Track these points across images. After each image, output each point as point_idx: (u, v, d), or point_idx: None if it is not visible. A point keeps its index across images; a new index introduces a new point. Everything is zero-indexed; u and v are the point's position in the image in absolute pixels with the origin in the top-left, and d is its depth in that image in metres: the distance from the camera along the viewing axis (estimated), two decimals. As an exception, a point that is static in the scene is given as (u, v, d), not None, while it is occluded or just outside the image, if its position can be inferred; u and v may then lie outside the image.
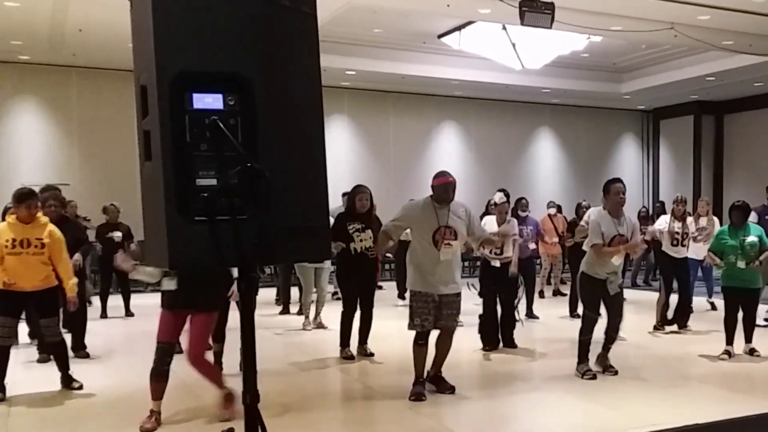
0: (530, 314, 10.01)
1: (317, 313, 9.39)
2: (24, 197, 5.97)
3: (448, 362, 6.14)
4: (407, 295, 6.22)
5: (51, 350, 6.52)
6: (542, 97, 18.72)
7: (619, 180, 6.71)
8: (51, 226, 6.14)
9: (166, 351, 5.11)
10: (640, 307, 10.45)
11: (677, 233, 8.86)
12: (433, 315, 5.75)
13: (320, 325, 9.35)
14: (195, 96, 2.10)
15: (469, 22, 12.94)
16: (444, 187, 5.81)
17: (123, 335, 9.36)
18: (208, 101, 2.12)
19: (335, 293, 11.02)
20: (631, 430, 5.06)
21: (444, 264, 5.73)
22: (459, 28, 13.36)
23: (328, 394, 6.56)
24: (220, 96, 2.13)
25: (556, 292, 12.54)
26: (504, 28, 12.63)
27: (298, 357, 7.73)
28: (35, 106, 14.79)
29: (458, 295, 5.87)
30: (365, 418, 5.65)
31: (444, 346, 6.03)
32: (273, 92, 2.21)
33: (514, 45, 13.19)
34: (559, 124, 20.26)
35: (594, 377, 6.48)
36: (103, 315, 10.52)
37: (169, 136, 2.06)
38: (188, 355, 5.17)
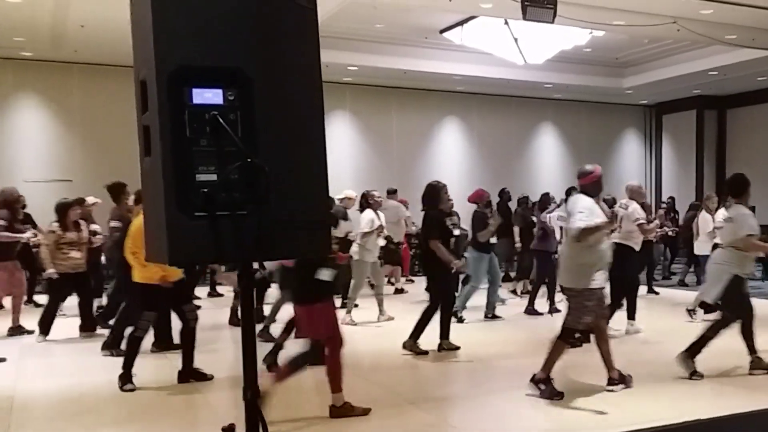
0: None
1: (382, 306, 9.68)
2: None
3: (446, 355, 6.11)
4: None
5: (185, 337, 6.46)
6: (544, 92, 18.68)
7: None
8: None
9: None
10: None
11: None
12: None
13: (389, 317, 9.61)
14: (194, 91, 2.09)
15: (471, 17, 12.91)
16: (600, 181, 6.00)
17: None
18: (207, 96, 2.11)
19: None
20: (631, 427, 5.05)
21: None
22: (461, 23, 13.33)
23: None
24: (219, 91, 2.12)
25: None
26: (506, 22, 12.60)
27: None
28: (37, 102, 14.79)
29: None
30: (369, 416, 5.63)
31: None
32: (273, 87, 2.20)
33: (516, 40, 13.16)
34: (562, 120, 20.22)
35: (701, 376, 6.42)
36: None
37: (168, 132, 2.06)
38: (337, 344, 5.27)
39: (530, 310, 10.04)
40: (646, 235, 8.64)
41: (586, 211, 5.74)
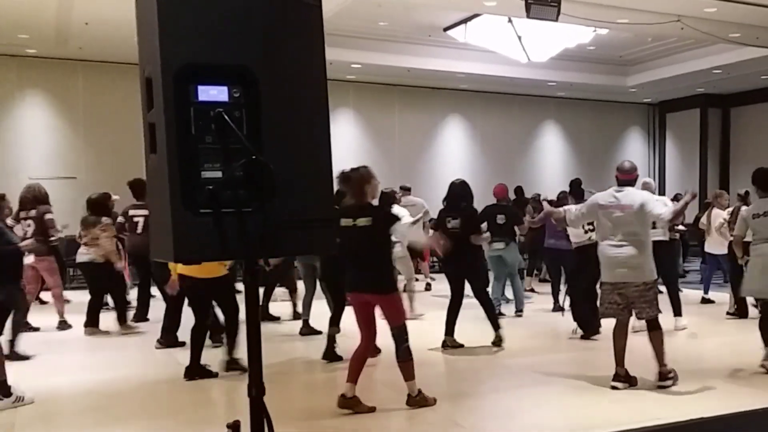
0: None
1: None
2: None
3: (450, 353, 6.09)
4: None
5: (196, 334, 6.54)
6: (548, 90, 18.67)
7: None
8: None
9: None
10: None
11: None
12: None
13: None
14: (200, 88, 2.10)
15: (475, 15, 12.90)
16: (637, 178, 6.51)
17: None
18: (213, 94, 2.11)
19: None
20: (635, 424, 5.05)
21: None
22: (465, 21, 13.32)
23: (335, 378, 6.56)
24: (225, 88, 2.13)
25: None
26: (510, 20, 12.59)
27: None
28: (42, 99, 14.81)
29: None
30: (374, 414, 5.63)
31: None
32: (278, 85, 2.20)
33: (519, 38, 13.15)
34: (565, 118, 20.21)
35: None
36: None
37: (174, 129, 2.06)
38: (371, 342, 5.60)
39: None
40: (675, 221, 8.62)
41: (659, 200, 6.26)
